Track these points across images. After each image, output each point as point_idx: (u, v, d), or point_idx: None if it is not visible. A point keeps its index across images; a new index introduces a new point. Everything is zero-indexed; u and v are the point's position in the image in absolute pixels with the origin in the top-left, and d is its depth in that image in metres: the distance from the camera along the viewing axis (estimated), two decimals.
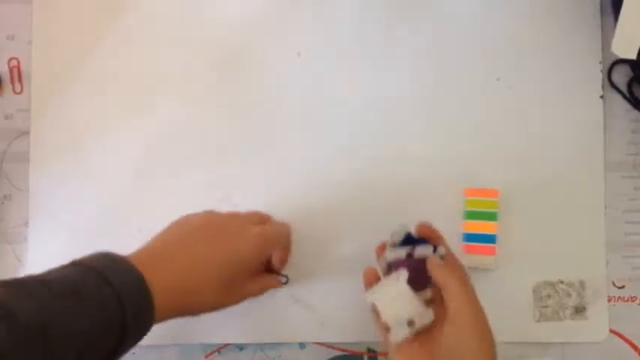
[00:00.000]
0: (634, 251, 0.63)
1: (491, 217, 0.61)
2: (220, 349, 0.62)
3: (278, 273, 0.60)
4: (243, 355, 0.63)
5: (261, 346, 0.62)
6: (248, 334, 0.62)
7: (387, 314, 0.50)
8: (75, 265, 0.47)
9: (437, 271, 0.50)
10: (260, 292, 0.57)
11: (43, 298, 0.43)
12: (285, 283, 0.61)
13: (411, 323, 0.49)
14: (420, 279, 0.51)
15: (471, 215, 0.61)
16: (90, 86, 0.64)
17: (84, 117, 0.64)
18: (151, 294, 0.47)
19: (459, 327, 0.47)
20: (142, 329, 0.47)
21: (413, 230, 0.54)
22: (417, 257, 0.52)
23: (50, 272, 0.46)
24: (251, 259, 0.54)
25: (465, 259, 0.60)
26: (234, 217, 0.56)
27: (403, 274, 0.51)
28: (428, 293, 0.52)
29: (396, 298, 0.50)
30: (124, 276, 0.46)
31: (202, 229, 0.53)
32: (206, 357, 0.63)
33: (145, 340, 0.61)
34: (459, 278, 0.49)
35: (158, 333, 0.61)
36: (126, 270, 0.47)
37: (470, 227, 0.61)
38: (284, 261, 0.61)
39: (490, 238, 0.61)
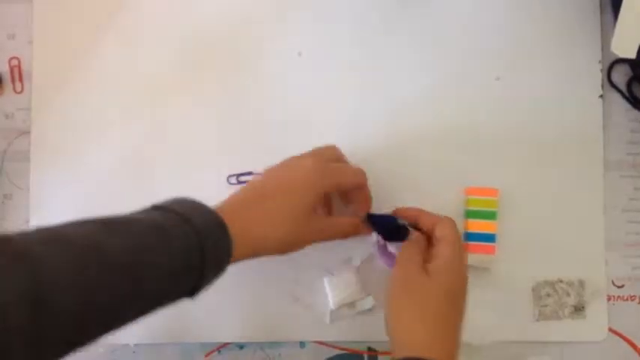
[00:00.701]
0: (633, 250, 0.63)
1: (491, 216, 0.61)
2: (220, 348, 0.63)
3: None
4: (243, 354, 0.63)
5: (261, 345, 0.63)
6: (248, 333, 0.62)
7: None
8: (155, 208, 0.49)
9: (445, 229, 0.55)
10: (333, 232, 0.56)
11: (126, 236, 0.44)
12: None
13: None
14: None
15: (472, 214, 0.61)
16: (90, 86, 0.64)
17: (84, 117, 0.64)
18: (227, 227, 0.48)
19: (451, 270, 0.53)
20: (220, 262, 0.49)
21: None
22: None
23: (131, 214, 0.48)
24: (302, 188, 0.52)
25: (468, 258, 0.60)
26: (306, 155, 0.56)
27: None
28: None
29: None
30: (201, 215, 0.48)
31: (273, 171, 0.55)
32: (206, 356, 0.63)
33: (146, 339, 0.62)
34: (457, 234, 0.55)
35: (158, 332, 0.62)
36: (204, 210, 0.49)
37: (471, 226, 0.61)
38: (363, 200, 0.58)
39: (490, 237, 0.61)
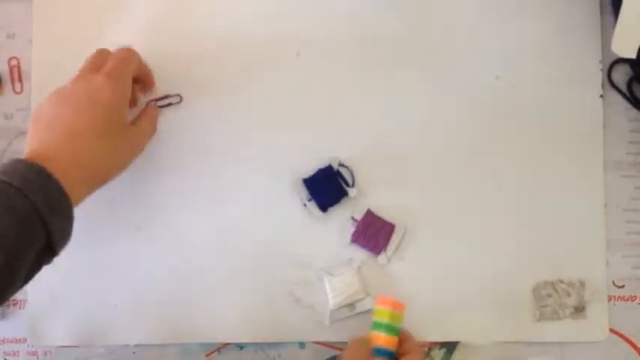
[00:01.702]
0: (634, 250, 0.63)
1: (394, 331, 0.54)
2: (221, 348, 0.63)
3: (159, 99, 0.62)
4: (244, 355, 0.63)
5: (261, 346, 0.62)
6: (248, 333, 0.62)
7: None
8: None
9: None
10: (150, 126, 0.60)
11: None
12: (179, 102, 0.62)
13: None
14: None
15: (377, 326, 0.54)
16: None
17: None
18: (49, 174, 0.48)
19: None
20: (62, 211, 0.49)
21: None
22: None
23: None
24: (112, 103, 0.54)
25: None
26: (76, 81, 0.56)
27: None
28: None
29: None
30: (21, 171, 0.48)
31: (59, 107, 0.54)
32: (206, 356, 0.63)
33: (146, 340, 0.62)
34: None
35: (159, 332, 0.62)
36: (23, 166, 0.48)
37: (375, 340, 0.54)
38: (150, 85, 0.62)
39: (391, 354, 0.53)
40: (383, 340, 0.53)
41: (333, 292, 0.61)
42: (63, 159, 0.50)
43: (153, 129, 0.60)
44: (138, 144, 0.58)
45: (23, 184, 0.47)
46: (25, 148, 0.53)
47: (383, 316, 0.54)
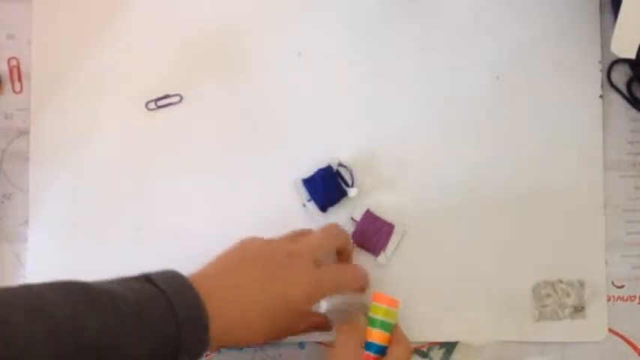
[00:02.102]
0: (633, 250, 0.63)
1: (387, 327, 0.55)
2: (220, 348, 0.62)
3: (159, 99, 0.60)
4: (243, 355, 0.62)
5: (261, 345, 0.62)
6: None
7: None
8: (147, 280, 0.47)
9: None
10: (306, 330, 0.57)
11: (107, 314, 0.43)
12: (179, 102, 0.60)
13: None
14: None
15: (372, 322, 0.55)
16: (90, 86, 0.64)
17: (84, 117, 0.64)
18: (209, 330, 0.47)
19: None
20: (195, 353, 0.48)
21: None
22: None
23: (120, 282, 0.46)
24: (300, 303, 0.52)
25: None
26: (293, 256, 0.53)
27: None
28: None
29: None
30: (189, 308, 0.46)
31: (261, 264, 0.53)
32: (206, 356, 0.63)
33: None
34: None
35: None
36: (193, 302, 0.47)
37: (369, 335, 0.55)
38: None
39: (382, 349, 0.55)
40: (377, 336, 0.54)
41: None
42: (226, 314, 0.49)
43: (308, 331, 0.58)
44: (289, 335, 0.56)
45: (185, 321, 0.45)
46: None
47: (378, 312, 0.55)
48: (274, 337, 0.54)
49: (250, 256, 0.53)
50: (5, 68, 0.64)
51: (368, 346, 0.54)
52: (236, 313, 0.49)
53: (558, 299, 0.62)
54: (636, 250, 0.63)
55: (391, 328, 0.55)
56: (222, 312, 0.48)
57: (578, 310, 0.62)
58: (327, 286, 0.54)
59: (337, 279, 0.56)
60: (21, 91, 0.65)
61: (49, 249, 0.63)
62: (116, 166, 0.63)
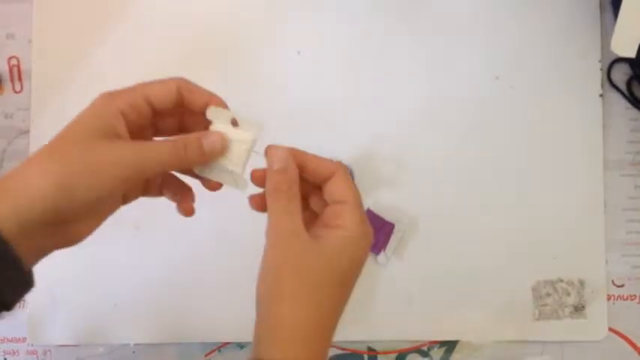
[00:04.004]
0: (633, 250, 0.63)
1: None
2: (220, 347, 0.63)
3: None
4: (244, 354, 0.63)
5: None
6: (248, 332, 0.62)
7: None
8: None
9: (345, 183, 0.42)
10: (142, 161, 0.40)
11: None
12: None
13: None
14: None
15: None
16: (90, 85, 0.64)
17: None
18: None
19: (355, 249, 0.41)
20: (6, 272, 0.37)
21: None
22: None
23: None
24: (80, 118, 0.42)
25: None
26: None
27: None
28: None
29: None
30: None
31: None
32: (206, 356, 0.63)
33: (145, 339, 0.62)
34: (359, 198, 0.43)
35: (158, 332, 0.62)
36: None
37: None
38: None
39: None
40: None
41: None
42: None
43: (158, 166, 0.41)
44: (107, 176, 0.39)
45: None
46: None
47: None
48: (78, 185, 0.38)
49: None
50: (5, 68, 0.65)
51: None
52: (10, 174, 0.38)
53: (558, 298, 0.62)
54: (636, 249, 0.63)
55: None
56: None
57: (579, 309, 0.62)
58: (118, 92, 0.43)
59: (138, 85, 0.44)
60: (21, 91, 0.65)
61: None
62: None
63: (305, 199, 0.42)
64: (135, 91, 0.43)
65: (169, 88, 0.44)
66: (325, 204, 0.42)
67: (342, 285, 0.40)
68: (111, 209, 0.44)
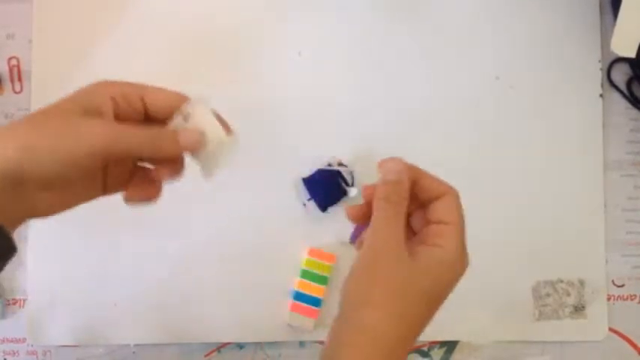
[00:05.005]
0: (633, 250, 0.63)
1: (322, 280, 0.61)
2: (220, 347, 0.63)
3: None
4: (243, 354, 0.63)
5: (261, 345, 0.62)
6: (248, 333, 0.62)
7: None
8: None
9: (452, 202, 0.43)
10: (120, 141, 0.39)
11: None
12: None
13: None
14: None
15: (306, 275, 0.61)
16: None
17: None
18: None
19: (452, 270, 0.42)
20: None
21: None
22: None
23: None
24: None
25: (289, 317, 0.61)
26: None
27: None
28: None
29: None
30: None
31: None
32: (206, 356, 0.63)
33: (145, 339, 0.62)
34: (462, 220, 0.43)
35: (158, 332, 0.62)
36: None
37: (301, 286, 0.61)
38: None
39: (316, 302, 0.61)
40: (311, 288, 0.60)
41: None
42: None
43: (137, 149, 0.41)
44: (85, 151, 0.38)
45: None
46: None
47: (312, 266, 0.60)
48: (55, 152, 0.38)
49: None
50: (5, 68, 0.64)
51: (300, 297, 0.60)
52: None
53: (558, 298, 0.62)
54: (636, 249, 0.63)
55: (326, 282, 0.60)
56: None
57: (579, 309, 0.62)
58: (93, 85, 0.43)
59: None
60: (21, 91, 0.65)
61: (49, 249, 0.63)
62: None
63: (407, 216, 0.42)
64: (133, 85, 0.44)
65: (168, 97, 0.44)
66: (426, 223, 0.42)
67: (428, 303, 0.40)
68: (87, 190, 0.43)
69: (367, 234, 0.41)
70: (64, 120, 0.39)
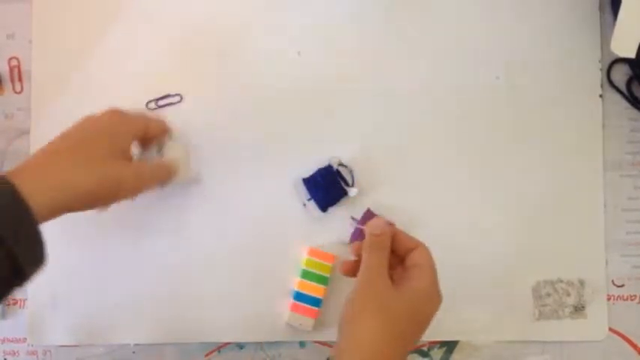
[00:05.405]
0: (633, 250, 0.63)
1: (322, 280, 0.61)
2: (220, 347, 0.63)
3: (159, 99, 0.60)
4: (243, 354, 0.63)
5: (261, 345, 0.62)
6: (248, 333, 0.62)
7: None
8: None
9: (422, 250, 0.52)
10: (144, 178, 0.55)
11: None
12: (179, 102, 0.59)
13: None
14: None
15: (306, 275, 0.61)
16: (90, 86, 0.64)
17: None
18: (14, 188, 0.46)
19: (429, 299, 0.50)
20: (19, 225, 0.46)
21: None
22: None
23: None
24: (102, 135, 0.53)
25: (289, 317, 0.61)
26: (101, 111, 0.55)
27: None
28: None
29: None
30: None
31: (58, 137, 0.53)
32: (206, 356, 0.63)
33: (145, 339, 0.62)
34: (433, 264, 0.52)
35: (158, 332, 0.62)
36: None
37: (301, 286, 0.61)
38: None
39: (316, 301, 0.61)
40: (311, 288, 0.61)
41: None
42: (41, 175, 0.49)
43: (156, 180, 0.56)
44: (122, 185, 0.52)
45: None
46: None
47: (312, 266, 0.61)
48: (101, 189, 0.51)
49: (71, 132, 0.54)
50: (5, 68, 0.64)
51: (300, 297, 0.60)
52: (50, 171, 0.49)
53: (558, 298, 0.62)
54: (636, 249, 0.63)
55: (326, 281, 0.61)
56: (32, 177, 0.48)
57: (579, 309, 0.62)
58: (127, 120, 0.55)
59: (141, 116, 0.56)
60: (21, 91, 0.65)
61: (49, 249, 0.63)
62: None
63: (389, 269, 0.51)
64: (140, 121, 0.56)
65: (161, 127, 0.58)
66: (405, 270, 0.51)
67: (409, 324, 0.49)
68: None
69: (359, 272, 0.50)
70: (113, 170, 0.53)
